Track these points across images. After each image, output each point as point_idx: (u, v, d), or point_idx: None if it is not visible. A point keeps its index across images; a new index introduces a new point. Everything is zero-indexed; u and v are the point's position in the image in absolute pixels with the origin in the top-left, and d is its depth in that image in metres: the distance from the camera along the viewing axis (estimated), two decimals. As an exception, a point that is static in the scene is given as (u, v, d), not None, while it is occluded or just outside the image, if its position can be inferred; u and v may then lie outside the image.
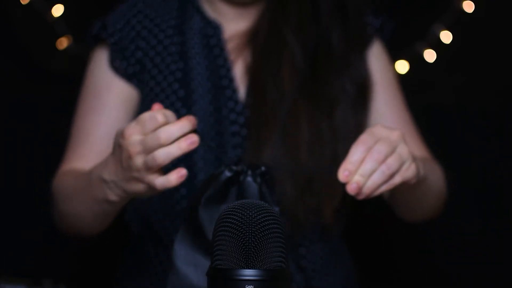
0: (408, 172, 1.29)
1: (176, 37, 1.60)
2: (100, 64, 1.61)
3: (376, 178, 1.26)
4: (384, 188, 1.28)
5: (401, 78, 1.84)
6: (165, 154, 1.22)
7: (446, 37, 2.20)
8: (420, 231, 1.79)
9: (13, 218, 2.26)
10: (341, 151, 1.49)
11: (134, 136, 1.23)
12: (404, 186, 1.32)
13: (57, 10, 2.25)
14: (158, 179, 1.25)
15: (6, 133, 2.26)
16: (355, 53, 1.60)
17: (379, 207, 1.56)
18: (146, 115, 1.23)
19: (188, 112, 1.55)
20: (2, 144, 2.27)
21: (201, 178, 1.52)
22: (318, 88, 1.56)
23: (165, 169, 1.26)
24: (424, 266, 2.26)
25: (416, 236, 2.15)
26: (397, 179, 1.28)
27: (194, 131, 1.24)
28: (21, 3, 2.24)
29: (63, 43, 2.26)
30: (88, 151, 1.56)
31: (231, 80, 1.58)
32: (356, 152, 1.26)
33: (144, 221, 1.60)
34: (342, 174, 1.25)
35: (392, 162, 1.27)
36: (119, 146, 1.26)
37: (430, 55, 2.21)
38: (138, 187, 1.27)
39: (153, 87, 1.58)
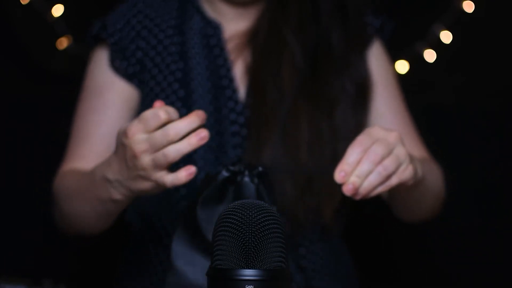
0: (405, 173, 1.29)
1: (176, 37, 1.60)
2: (100, 64, 1.61)
3: (372, 179, 1.26)
4: (380, 189, 1.28)
5: (401, 78, 1.84)
6: (175, 151, 1.22)
7: (446, 37, 2.20)
8: (420, 231, 1.79)
9: (13, 218, 2.26)
10: (341, 151, 1.49)
11: (138, 134, 1.23)
12: (401, 187, 1.32)
13: (57, 10, 2.25)
14: (167, 177, 1.24)
15: (6, 133, 2.26)
16: (355, 53, 1.60)
17: (379, 207, 1.56)
18: (148, 113, 1.23)
19: (188, 112, 1.54)
20: (2, 144, 2.27)
21: (201, 178, 1.52)
22: (318, 88, 1.56)
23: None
24: (424, 266, 2.26)
25: (416, 236, 2.15)
26: (393, 180, 1.28)
27: (202, 126, 1.24)
28: (21, 3, 2.24)
29: (63, 43, 2.26)
30: (89, 151, 1.56)
31: (231, 80, 1.58)
32: (352, 153, 1.26)
33: (144, 221, 1.60)
34: (338, 175, 1.25)
35: (388, 163, 1.27)
36: (122, 145, 1.26)
37: (430, 55, 2.21)
38: (144, 185, 1.27)
39: (153, 87, 1.58)
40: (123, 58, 1.59)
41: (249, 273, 0.95)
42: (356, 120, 1.57)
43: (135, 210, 1.61)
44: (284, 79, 1.55)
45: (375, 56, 1.63)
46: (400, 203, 1.54)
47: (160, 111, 1.22)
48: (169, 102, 1.55)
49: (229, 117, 1.55)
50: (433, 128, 2.17)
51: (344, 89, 1.57)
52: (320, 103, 1.55)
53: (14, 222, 2.26)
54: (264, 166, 1.29)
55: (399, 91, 1.65)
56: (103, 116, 1.58)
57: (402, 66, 2.21)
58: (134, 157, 1.23)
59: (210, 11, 1.63)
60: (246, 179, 1.27)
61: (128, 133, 1.23)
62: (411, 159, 1.32)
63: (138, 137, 1.22)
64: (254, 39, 1.59)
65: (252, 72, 1.58)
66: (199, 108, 1.55)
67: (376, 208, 1.59)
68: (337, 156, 1.49)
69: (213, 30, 1.61)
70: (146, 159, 1.23)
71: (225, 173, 1.27)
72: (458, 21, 2.19)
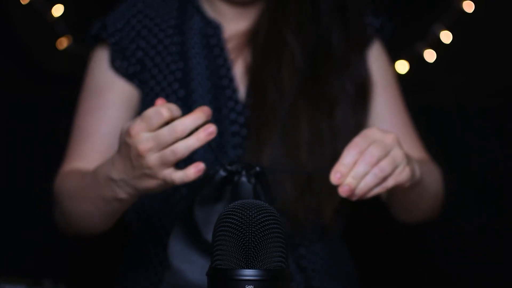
0: (401, 175, 1.29)
1: (176, 37, 1.60)
2: (101, 64, 1.61)
3: (368, 181, 1.26)
4: (376, 190, 1.28)
5: (401, 78, 1.85)
6: (184, 147, 1.22)
7: (446, 37, 2.20)
8: (420, 231, 1.79)
9: (13, 218, 2.26)
10: (341, 151, 1.48)
11: (142, 133, 1.22)
12: (398, 188, 1.32)
13: (57, 10, 2.25)
14: (176, 174, 1.24)
15: (6, 133, 2.26)
16: (355, 53, 1.60)
17: (379, 207, 1.56)
18: (150, 111, 1.23)
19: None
20: (2, 144, 2.27)
21: (201, 178, 1.52)
22: (318, 88, 1.56)
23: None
24: (424, 266, 2.26)
25: (416, 236, 2.15)
26: (390, 182, 1.28)
27: (208, 122, 1.24)
28: (21, 3, 2.24)
29: (63, 43, 2.26)
30: (90, 150, 1.56)
31: (231, 80, 1.58)
32: (348, 155, 1.26)
33: (144, 221, 1.60)
34: (334, 176, 1.25)
35: (385, 165, 1.27)
36: (125, 144, 1.25)
37: (430, 55, 2.21)
38: (150, 183, 1.27)
39: (153, 87, 1.58)
40: (124, 58, 1.59)
41: (249, 273, 0.95)
42: (356, 120, 1.57)
43: (135, 210, 1.61)
44: (284, 79, 1.55)
45: (375, 56, 1.63)
46: (398, 204, 1.54)
47: (162, 108, 1.22)
48: (169, 102, 1.55)
49: (229, 117, 1.55)
50: (433, 128, 2.17)
51: (344, 89, 1.57)
52: (320, 103, 1.55)
53: (14, 222, 2.26)
54: (262, 166, 1.29)
55: (398, 91, 1.65)
56: (104, 115, 1.58)
57: (402, 66, 2.21)
58: (139, 156, 1.23)
59: (210, 11, 1.63)
60: (243, 179, 1.27)
61: (131, 132, 1.23)
62: (409, 160, 1.32)
63: (142, 136, 1.22)
64: (254, 39, 1.59)
65: (252, 72, 1.58)
66: (199, 108, 1.55)
67: (376, 208, 1.59)
68: (337, 156, 1.48)
69: (213, 30, 1.61)
70: (152, 157, 1.23)
71: (222, 173, 1.27)
72: (458, 21, 2.19)
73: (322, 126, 1.54)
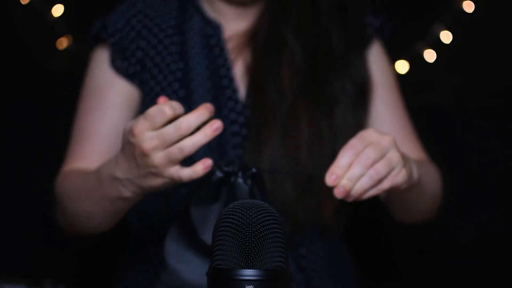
0: (397, 177, 1.29)
1: (176, 37, 1.60)
2: (101, 64, 1.61)
3: (363, 183, 1.26)
4: (372, 192, 1.28)
5: (401, 78, 1.84)
6: (191, 144, 1.22)
7: (446, 37, 2.20)
8: (420, 231, 1.79)
9: (13, 218, 2.26)
10: (341, 151, 1.49)
11: (145, 132, 1.22)
12: (395, 190, 1.32)
13: (57, 10, 2.25)
14: (184, 171, 1.24)
15: (6, 133, 2.27)
16: (355, 53, 1.60)
17: (379, 207, 1.56)
18: (153, 110, 1.23)
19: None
20: (2, 144, 2.27)
21: (199, 178, 1.52)
22: (318, 88, 1.56)
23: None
24: (424, 266, 2.26)
25: (416, 236, 2.15)
26: (385, 184, 1.28)
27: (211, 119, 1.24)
28: (21, 3, 2.24)
29: (63, 43, 2.26)
30: (90, 150, 1.56)
31: (231, 80, 1.58)
32: (344, 156, 1.26)
33: (144, 221, 1.60)
34: (330, 178, 1.26)
35: (380, 167, 1.27)
36: (129, 143, 1.25)
37: (430, 55, 2.21)
38: (156, 182, 1.27)
39: (153, 87, 1.58)
40: (124, 58, 1.59)
41: (249, 273, 0.95)
42: (356, 120, 1.57)
43: (135, 210, 1.61)
44: (284, 79, 1.55)
45: (375, 56, 1.63)
46: (396, 205, 1.54)
47: (165, 107, 1.22)
48: (169, 101, 1.55)
49: (229, 117, 1.55)
50: (433, 128, 2.17)
51: (344, 89, 1.57)
52: (320, 103, 1.55)
53: (14, 222, 2.26)
54: (258, 168, 1.30)
55: (398, 92, 1.65)
56: (104, 115, 1.58)
57: (402, 66, 2.21)
58: (144, 155, 1.23)
59: (210, 11, 1.63)
60: (240, 180, 1.28)
61: (134, 131, 1.23)
62: (406, 162, 1.32)
63: (146, 135, 1.22)
64: (254, 39, 1.59)
65: (252, 72, 1.58)
66: (199, 108, 1.55)
67: (376, 208, 1.59)
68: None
69: (213, 30, 1.61)
70: (157, 156, 1.23)
71: (219, 174, 1.28)
72: (458, 21, 2.19)
73: (322, 126, 1.54)
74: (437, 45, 2.20)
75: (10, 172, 2.27)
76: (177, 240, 1.32)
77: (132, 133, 1.24)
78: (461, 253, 2.22)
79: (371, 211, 1.62)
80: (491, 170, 2.23)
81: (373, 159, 1.26)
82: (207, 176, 1.28)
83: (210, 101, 1.55)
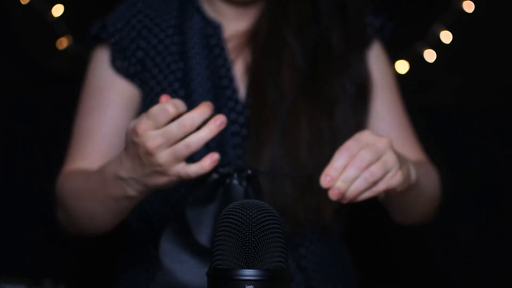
0: (393, 180, 1.29)
1: (176, 37, 1.60)
2: (101, 64, 1.61)
3: (358, 185, 1.26)
4: (367, 194, 1.29)
5: (401, 78, 1.84)
6: (197, 140, 1.23)
7: (446, 37, 2.20)
8: (420, 231, 1.79)
9: (13, 218, 2.26)
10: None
11: (149, 131, 1.23)
12: (391, 192, 1.32)
13: (57, 10, 2.25)
14: (191, 167, 1.25)
15: (6, 133, 2.27)
16: (355, 53, 1.60)
17: (379, 208, 1.56)
18: (156, 109, 1.23)
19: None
20: (2, 144, 2.27)
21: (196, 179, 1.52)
22: (318, 88, 1.56)
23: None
24: (424, 266, 2.26)
25: (416, 236, 2.15)
26: (381, 186, 1.29)
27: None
28: (21, 3, 2.24)
29: (63, 43, 2.26)
30: (91, 150, 1.56)
31: (231, 79, 1.58)
32: (339, 158, 1.27)
33: (144, 221, 1.60)
34: (324, 179, 1.26)
35: (375, 169, 1.27)
36: (132, 143, 1.26)
37: (430, 55, 2.21)
38: (161, 180, 1.27)
39: (154, 87, 1.58)
40: (124, 58, 1.59)
41: (249, 273, 0.95)
42: (356, 120, 1.57)
43: (135, 210, 1.61)
44: (284, 79, 1.55)
45: (375, 57, 1.63)
46: (394, 206, 1.54)
47: (167, 105, 1.23)
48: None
49: (229, 117, 1.55)
50: (433, 128, 2.17)
51: (344, 89, 1.57)
52: (320, 103, 1.55)
53: (14, 222, 2.26)
54: (254, 169, 1.30)
55: (398, 92, 1.65)
56: (105, 115, 1.58)
57: (402, 66, 2.21)
58: (148, 154, 1.24)
59: (210, 11, 1.63)
60: (235, 181, 1.28)
61: (138, 131, 1.23)
62: (403, 164, 1.32)
63: (150, 134, 1.23)
64: (254, 39, 1.59)
65: (252, 72, 1.58)
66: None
67: (376, 209, 1.59)
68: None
69: (213, 30, 1.61)
70: (162, 154, 1.23)
71: (214, 175, 1.28)
72: (458, 21, 2.19)
73: (322, 126, 1.54)
74: (437, 45, 2.20)
75: (10, 172, 2.27)
76: (172, 240, 1.32)
77: (135, 132, 1.24)
78: (461, 253, 2.22)
79: (371, 211, 1.62)
80: (491, 170, 2.23)
81: (368, 161, 1.26)
82: (203, 177, 1.28)
83: (210, 101, 1.55)
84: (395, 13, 1.78)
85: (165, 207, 1.57)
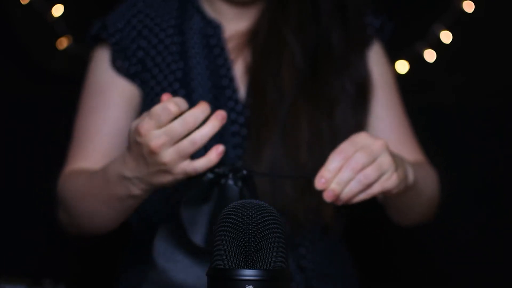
0: (388, 182, 1.29)
1: (176, 36, 1.60)
2: (101, 64, 1.61)
3: (352, 187, 1.27)
4: (362, 196, 1.29)
5: (401, 78, 1.84)
6: (201, 136, 1.23)
7: (446, 37, 2.20)
8: (420, 231, 1.79)
9: (13, 218, 2.26)
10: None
11: (152, 131, 1.23)
12: (387, 194, 1.32)
13: (57, 10, 2.25)
14: (197, 162, 1.25)
15: (6, 133, 2.27)
16: (355, 53, 1.60)
17: (379, 208, 1.56)
18: (158, 108, 1.23)
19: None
20: (2, 144, 2.27)
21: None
22: (318, 88, 1.56)
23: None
24: (424, 266, 2.26)
25: (416, 236, 2.15)
26: (375, 189, 1.29)
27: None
28: (21, 3, 2.24)
29: (63, 43, 2.26)
30: (93, 150, 1.56)
31: (231, 79, 1.58)
32: (334, 160, 1.27)
33: (144, 221, 1.60)
34: (319, 181, 1.26)
35: (370, 171, 1.27)
36: (136, 143, 1.26)
37: (430, 55, 2.21)
38: (166, 178, 1.28)
39: (154, 86, 1.58)
40: (125, 58, 1.59)
41: (249, 273, 0.95)
42: (356, 120, 1.57)
43: (136, 210, 1.61)
44: (284, 79, 1.55)
45: (375, 57, 1.63)
46: (392, 207, 1.54)
47: (169, 104, 1.23)
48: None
49: (229, 117, 1.55)
50: (433, 128, 2.17)
51: (344, 89, 1.57)
52: (320, 103, 1.55)
53: (14, 222, 2.26)
54: (249, 170, 1.30)
55: (397, 93, 1.65)
56: (105, 115, 1.58)
57: (402, 66, 2.21)
58: (153, 153, 1.24)
59: (210, 11, 1.63)
60: (230, 181, 1.28)
61: (140, 131, 1.24)
62: (399, 166, 1.32)
63: (153, 133, 1.23)
64: (254, 39, 1.59)
65: (252, 72, 1.58)
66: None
67: (376, 209, 1.59)
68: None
69: (213, 30, 1.61)
70: (166, 153, 1.24)
71: (209, 175, 1.28)
72: (458, 21, 2.19)
73: (322, 126, 1.54)
74: (437, 45, 2.20)
75: (10, 172, 2.27)
76: (166, 240, 1.33)
77: (138, 132, 1.24)
78: (461, 253, 2.22)
79: (371, 211, 1.62)
80: (491, 170, 2.23)
81: (363, 163, 1.27)
82: (198, 177, 1.28)
83: (210, 100, 1.56)
84: (395, 13, 1.78)
85: (165, 207, 1.57)
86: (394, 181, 1.30)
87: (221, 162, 1.29)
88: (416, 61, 2.21)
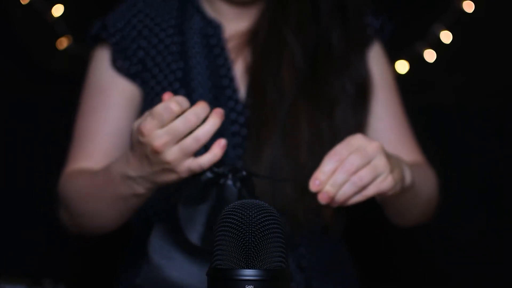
0: (383, 184, 1.29)
1: (176, 36, 1.60)
2: (102, 64, 1.61)
3: (346, 189, 1.27)
4: (357, 198, 1.29)
5: (401, 78, 1.84)
6: (204, 133, 1.24)
7: (446, 37, 2.20)
8: (420, 231, 1.79)
9: (13, 218, 2.26)
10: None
11: (155, 131, 1.23)
12: (382, 196, 1.32)
13: (57, 10, 2.25)
14: (202, 159, 1.26)
15: (6, 133, 2.27)
16: (355, 53, 1.60)
17: (378, 208, 1.56)
18: (160, 108, 1.24)
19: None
20: (2, 144, 2.27)
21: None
22: (318, 88, 1.56)
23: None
24: (424, 266, 2.26)
25: (416, 236, 2.15)
26: (370, 191, 1.29)
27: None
28: (21, 3, 2.24)
29: (63, 43, 2.26)
30: (94, 150, 1.56)
31: (231, 79, 1.58)
32: (328, 163, 1.27)
33: (144, 221, 1.60)
34: (313, 183, 1.27)
35: (364, 174, 1.27)
36: (138, 143, 1.26)
37: (430, 55, 2.21)
38: (170, 177, 1.28)
39: (154, 86, 1.58)
40: (125, 58, 1.59)
41: (249, 273, 0.95)
42: (356, 120, 1.57)
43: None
44: (284, 79, 1.55)
45: (375, 57, 1.63)
46: (389, 208, 1.54)
47: (171, 103, 1.23)
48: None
49: (229, 117, 1.55)
50: (433, 128, 2.17)
51: (344, 89, 1.57)
52: (320, 103, 1.55)
53: (14, 222, 2.26)
54: (249, 171, 1.30)
55: (397, 93, 1.65)
56: (106, 115, 1.58)
57: (402, 66, 2.21)
58: (156, 152, 1.24)
59: (210, 11, 1.63)
60: (229, 182, 1.28)
61: (143, 131, 1.24)
62: (395, 167, 1.32)
63: (156, 133, 1.23)
64: (254, 39, 1.59)
65: (252, 72, 1.58)
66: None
67: (376, 209, 1.59)
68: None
69: (213, 30, 1.61)
70: (170, 152, 1.24)
71: (209, 174, 1.29)
72: (458, 21, 2.19)
73: (322, 126, 1.54)
74: (437, 45, 2.20)
75: (10, 172, 2.27)
76: (162, 237, 1.33)
77: (141, 132, 1.24)
78: (461, 253, 2.22)
79: (371, 211, 1.62)
80: (491, 170, 2.24)
81: (357, 165, 1.27)
82: (197, 177, 1.29)
83: (210, 100, 1.56)
84: (395, 13, 1.78)
85: (165, 207, 1.57)
86: (389, 183, 1.30)
87: (221, 162, 1.29)
88: (416, 61, 2.21)
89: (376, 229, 2.15)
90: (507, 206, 2.23)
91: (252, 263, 0.95)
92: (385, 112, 1.62)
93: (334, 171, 1.27)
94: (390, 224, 1.61)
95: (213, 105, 1.55)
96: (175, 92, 1.56)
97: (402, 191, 1.36)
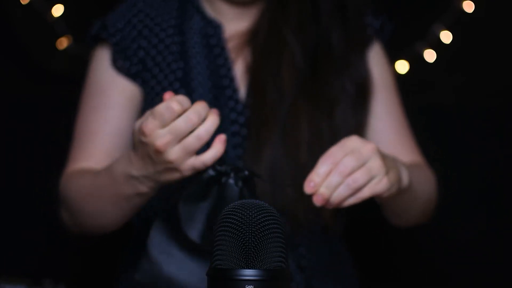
0: (378, 186, 1.29)
1: (176, 36, 1.60)
2: (102, 64, 1.61)
3: (341, 191, 1.27)
4: (351, 200, 1.29)
5: (401, 78, 1.84)
6: (205, 131, 1.25)
7: (446, 37, 2.20)
8: (420, 231, 1.79)
9: (13, 218, 2.26)
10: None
11: (157, 130, 1.24)
12: (378, 198, 1.32)
13: (57, 10, 2.25)
14: (205, 156, 1.27)
15: (6, 133, 2.27)
16: (355, 53, 1.60)
17: (378, 208, 1.56)
18: (161, 107, 1.24)
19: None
20: (2, 144, 2.27)
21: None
22: (318, 88, 1.56)
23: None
24: (424, 266, 2.26)
25: (416, 236, 2.15)
26: (365, 193, 1.29)
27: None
28: (21, 3, 2.24)
29: (63, 43, 2.26)
30: (95, 150, 1.56)
31: (231, 79, 1.58)
32: (323, 165, 1.27)
33: (144, 221, 1.60)
34: (308, 185, 1.27)
35: (359, 175, 1.27)
36: (140, 143, 1.27)
37: (430, 55, 2.21)
38: (173, 176, 1.29)
39: (154, 86, 1.58)
40: (125, 58, 1.59)
41: (249, 273, 0.95)
42: (356, 120, 1.57)
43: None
44: (284, 79, 1.55)
45: (375, 57, 1.63)
46: (387, 209, 1.54)
47: (172, 103, 1.24)
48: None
49: (230, 117, 1.55)
50: (433, 128, 2.17)
51: (344, 89, 1.57)
52: (320, 103, 1.55)
53: (14, 222, 2.26)
54: (251, 171, 1.30)
55: (397, 93, 1.65)
56: (107, 115, 1.58)
57: (402, 66, 2.21)
58: (159, 152, 1.25)
59: (210, 11, 1.63)
60: (231, 181, 1.29)
61: (145, 131, 1.24)
62: (390, 169, 1.32)
63: (158, 132, 1.24)
64: (254, 39, 1.59)
65: (252, 72, 1.58)
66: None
67: (376, 209, 1.59)
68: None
69: (213, 29, 1.61)
70: (173, 151, 1.25)
71: (211, 172, 1.29)
72: (458, 21, 2.19)
73: (322, 126, 1.54)
74: (437, 45, 2.20)
75: (10, 172, 2.27)
76: (162, 232, 1.33)
77: (143, 132, 1.25)
78: (461, 253, 2.22)
79: (371, 211, 1.62)
80: (491, 170, 2.24)
81: (351, 167, 1.27)
82: (199, 174, 1.29)
83: (210, 100, 1.56)
84: (395, 13, 1.78)
85: (165, 207, 1.57)
86: (384, 185, 1.30)
87: (222, 161, 1.29)
88: (416, 61, 2.21)
89: (376, 229, 2.15)
90: (507, 206, 2.23)
91: (252, 263, 0.95)
92: (385, 112, 1.62)
93: (328, 173, 1.27)
94: (390, 224, 1.61)
95: (213, 105, 1.56)
96: (175, 92, 1.56)
97: (399, 192, 1.36)
